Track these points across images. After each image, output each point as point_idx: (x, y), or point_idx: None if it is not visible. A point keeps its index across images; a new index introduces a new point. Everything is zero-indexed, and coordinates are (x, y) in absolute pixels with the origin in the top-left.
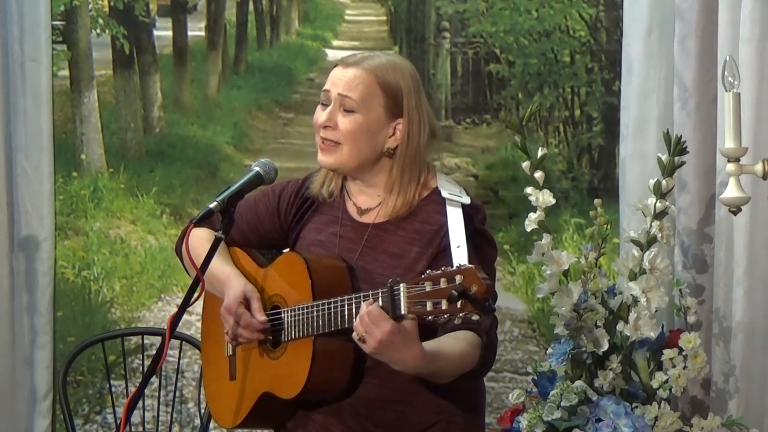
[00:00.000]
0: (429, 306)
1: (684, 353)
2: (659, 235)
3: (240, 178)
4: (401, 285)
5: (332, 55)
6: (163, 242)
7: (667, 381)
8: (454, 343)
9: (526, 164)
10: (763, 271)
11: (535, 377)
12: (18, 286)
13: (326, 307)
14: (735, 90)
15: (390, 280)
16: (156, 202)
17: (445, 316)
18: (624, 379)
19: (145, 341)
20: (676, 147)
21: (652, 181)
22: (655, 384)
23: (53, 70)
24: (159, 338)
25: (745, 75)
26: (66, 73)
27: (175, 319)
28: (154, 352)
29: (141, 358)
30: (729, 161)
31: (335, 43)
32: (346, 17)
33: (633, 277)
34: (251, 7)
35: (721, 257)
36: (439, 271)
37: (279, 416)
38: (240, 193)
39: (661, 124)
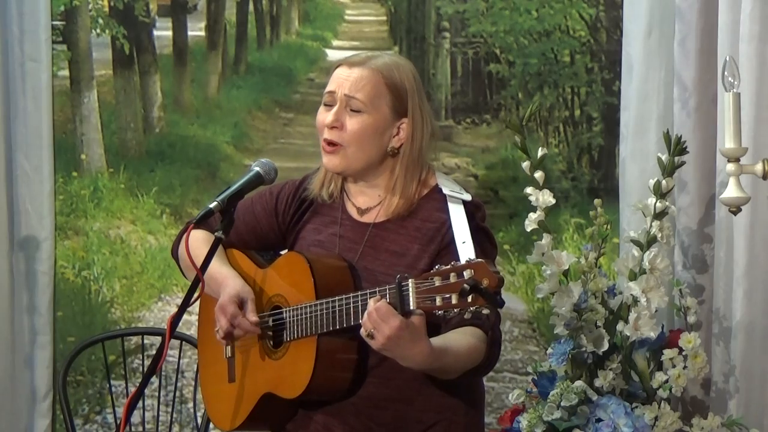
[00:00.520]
0: (438, 301)
1: (684, 353)
2: (659, 235)
3: (240, 178)
4: (410, 281)
5: (332, 55)
6: (163, 242)
7: (667, 381)
8: (461, 339)
9: (526, 164)
10: (763, 271)
11: (535, 377)
12: (18, 286)
13: (331, 305)
14: (735, 90)
15: (398, 276)
16: (156, 202)
17: (455, 310)
18: (624, 379)
19: (145, 341)
20: (676, 147)
21: (652, 181)
22: (655, 384)
23: (53, 70)
24: (159, 338)
25: (745, 75)
26: (66, 73)
27: (175, 319)
28: (154, 352)
29: (141, 358)
30: (729, 161)
31: (335, 43)
32: (346, 17)
33: (633, 277)
34: (251, 7)
35: (721, 257)
36: (448, 266)
37: (279, 417)
38: (240, 193)
39: (661, 124)
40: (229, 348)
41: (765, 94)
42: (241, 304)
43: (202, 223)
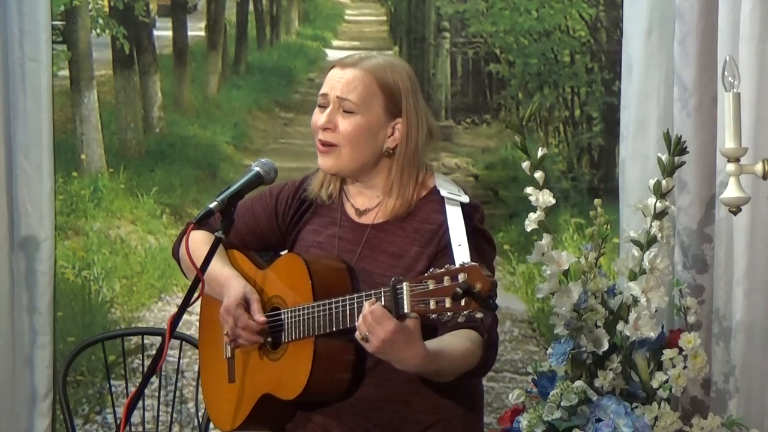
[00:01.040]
0: (432, 304)
1: (684, 353)
2: (659, 235)
3: (240, 178)
4: (404, 284)
5: (332, 55)
6: (163, 242)
7: (667, 381)
8: (457, 342)
9: (526, 164)
10: (763, 271)
11: (535, 377)
12: (18, 286)
13: (328, 307)
14: (735, 90)
15: (393, 279)
16: (156, 202)
17: (449, 314)
18: (624, 379)
19: (145, 341)
20: (676, 147)
21: (652, 181)
22: (655, 384)
23: (53, 70)
24: (159, 338)
25: (745, 75)
26: (66, 73)
27: (175, 319)
28: (154, 352)
29: (141, 358)
30: (729, 161)
31: (335, 43)
32: (346, 17)
33: (633, 277)
34: (251, 7)
35: (721, 257)
36: (442, 270)
37: (279, 418)
38: (240, 193)
39: (661, 124)
40: (228, 348)
41: (765, 94)
42: (246, 305)
43: (202, 223)
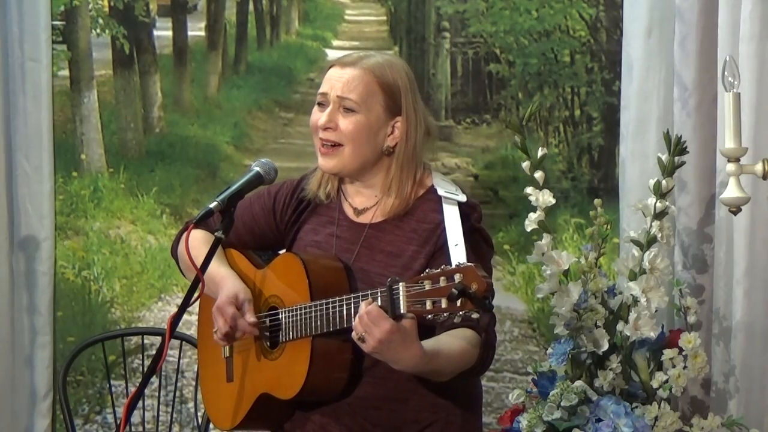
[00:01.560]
0: (428, 305)
1: (684, 353)
2: (659, 235)
3: (240, 178)
4: (400, 284)
5: (332, 55)
6: (163, 242)
7: (667, 381)
8: (454, 342)
9: (526, 164)
10: (763, 271)
11: (535, 377)
12: (18, 286)
13: (324, 307)
14: (735, 90)
15: (389, 279)
16: (156, 202)
17: (445, 314)
18: (624, 379)
19: (145, 341)
20: (676, 147)
21: (652, 181)
22: (655, 384)
23: (53, 70)
24: (159, 338)
25: (745, 75)
26: (66, 73)
27: (175, 319)
28: (154, 352)
29: (141, 358)
30: (729, 161)
31: (335, 43)
32: (346, 17)
33: (633, 277)
34: (251, 7)
35: (721, 257)
36: (438, 270)
37: (277, 417)
38: (240, 193)
39: (661, 124)
40: (227, 348)
41: (765, 94)
42: (239, 305)
43: (201, 223)
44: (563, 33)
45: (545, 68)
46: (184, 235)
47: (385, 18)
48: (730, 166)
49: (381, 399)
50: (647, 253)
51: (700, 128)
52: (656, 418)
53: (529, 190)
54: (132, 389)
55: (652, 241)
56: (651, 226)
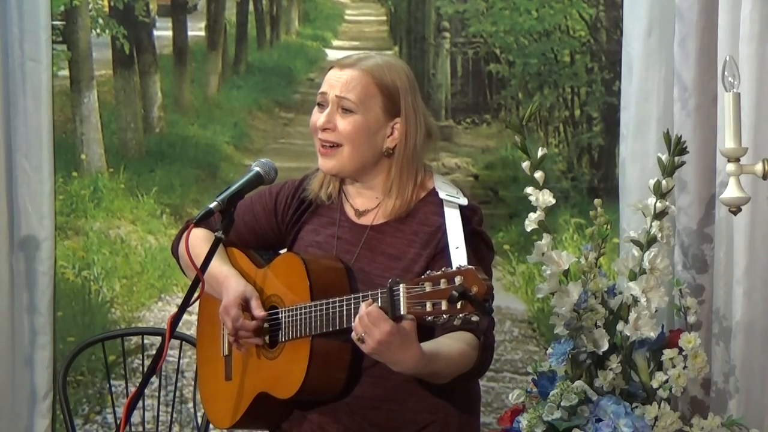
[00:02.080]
0: (428, 306)
1: (684, 353)
2: (659, 235)
3: (240, 178)
4: (401, 285)
5: (332, 55)
6: (163, 242)
7: (667, 381)
8: (453, 344)
9: (526, 164)
10: (763, 270)
11: (535, 377)
12: (18, 286)
13: (324, 307)
14: (735, 90)
15: (390, 280)
16: (156, 202)
17: (445, 316)
18: (624, 379)
19: (145, 341)
20: (676, 147)
21: (652, 181)
22: (655, 384)
23: (53, 70)
24: (159, 338)
25: (745, 75)
26: (66, 73)
27: (175, 319)
28: (154, 352)
29: (141, 358)
30: (729, 161)
31: (335, 43)
32: (346, 17)
33: (633, 277)
34: (251, 7)
35: (721, 257)
36: (439, 272)
37: (275, 416)
38: (240, 193)
39: (661, 124)
40: (226, 346)
41: (765, 94)
42: (245, 304)
43: (202, 223)
44: (563, 33)
45: (545, 68)
46: (185, 234)
47: (385, 18)
48: (730, 166)
49: (379, 399)
50: (647, 253)
51: (700, 128)
52: (656, 418)
53: (529, 190)
54: (132, 389)
55: (652, 241)
56: (651, 226)
